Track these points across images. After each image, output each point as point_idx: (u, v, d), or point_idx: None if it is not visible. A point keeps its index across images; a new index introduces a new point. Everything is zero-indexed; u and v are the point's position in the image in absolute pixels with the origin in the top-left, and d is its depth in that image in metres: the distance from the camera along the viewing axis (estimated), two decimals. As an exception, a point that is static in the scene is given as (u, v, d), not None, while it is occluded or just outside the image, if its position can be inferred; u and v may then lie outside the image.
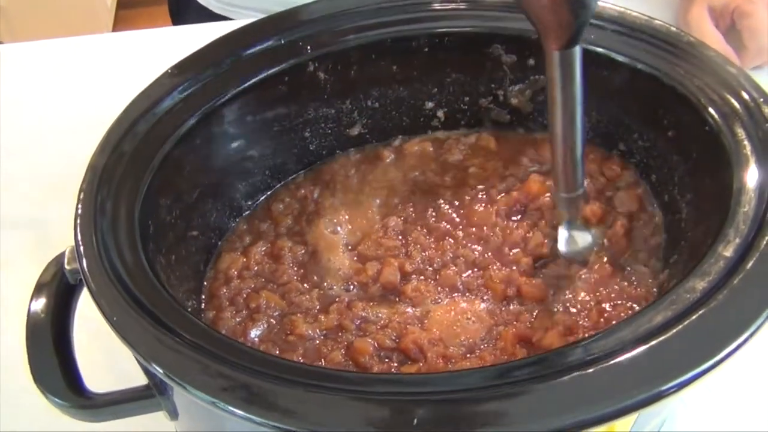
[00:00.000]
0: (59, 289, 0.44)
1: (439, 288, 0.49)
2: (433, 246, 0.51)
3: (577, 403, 0.32)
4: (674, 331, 0.34)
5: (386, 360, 0.45)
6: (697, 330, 0.34)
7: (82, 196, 0.42)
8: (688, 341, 0.34)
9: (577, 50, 0.41)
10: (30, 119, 0.77)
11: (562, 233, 0.49)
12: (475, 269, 0.50)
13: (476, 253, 0.51)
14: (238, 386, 0.33)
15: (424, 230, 0.53)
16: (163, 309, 0.37)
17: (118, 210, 0.42)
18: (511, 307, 0.48)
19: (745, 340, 0.34)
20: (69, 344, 0.44)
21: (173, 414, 0.43)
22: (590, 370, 0.33)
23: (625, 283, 0.48)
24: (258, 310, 0.48)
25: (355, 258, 0.51)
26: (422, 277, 0.50)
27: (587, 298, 0.47)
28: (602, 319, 0.46)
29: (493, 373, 0.34)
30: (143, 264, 0.40)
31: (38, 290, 0.44)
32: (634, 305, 0.46)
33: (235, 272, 0.51)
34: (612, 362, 0.33)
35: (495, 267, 0.50)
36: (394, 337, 0.46)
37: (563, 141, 0.44)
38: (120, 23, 2.17)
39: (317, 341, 0.46)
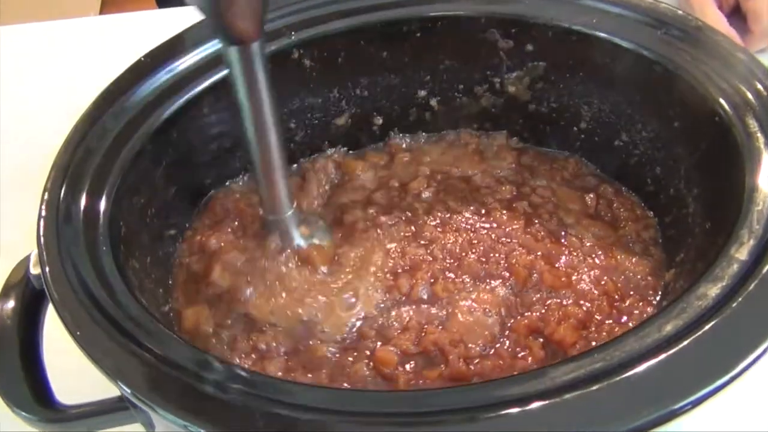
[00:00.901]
0: (27, 293, 0.41)
1: (465, 278, 0.46)
2: (452, 241, 0.49)
3: (579, 426, 0.29)
4: (685, 342, 0.32)
5: (411, 363, 0.43)
6: (711, 341, 0.32)
7: (46, 197, 0.39)
8: (700, 354, 0.31)
9: (255, 48, 0.37)
10: (11, 104, 0.73)
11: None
12: (497, 254, 0.48)
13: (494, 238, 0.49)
14: (214, 407, 0.30)
15: (438, 227, 0.50)
16: (132, 320, 0.34)
17: (85, 212, 0.39)
18: (530, 294, 0.46)
19: (764, 352, 0.31)
20: (37, 352, 0.41)
21: (149, 426, 0.41)
22: (594, 388, 0.30)
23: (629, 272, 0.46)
24: None
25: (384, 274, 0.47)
26: (450, 274, 0.47)
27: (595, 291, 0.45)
28: (614, 311, 0.44)
29: (489, 390, 0.31)
30: (112, 270, 0.37)
31: (5, 293, 0.41)
32: (647, 295, 0.45)
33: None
34: (617, 378, 0.31)
35: (517, 252, 0.47)
36: (415, 341, 0.43)
37: (260, 155, 0.41)
38: (107, 6, 2.13)
39: (337, 354, 0.43)
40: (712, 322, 0.32)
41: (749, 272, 0.34)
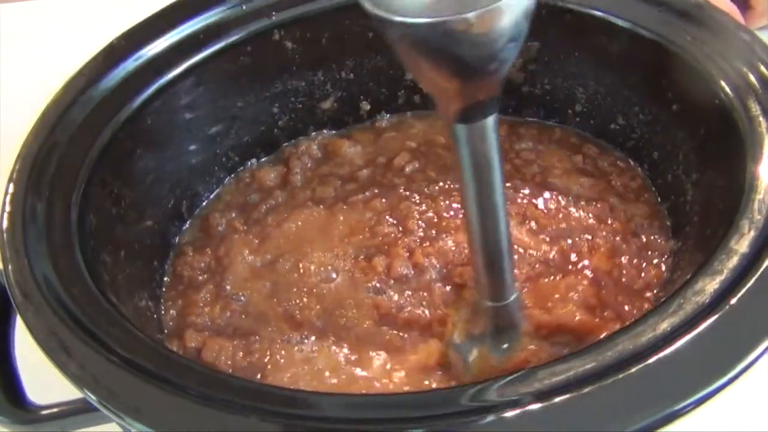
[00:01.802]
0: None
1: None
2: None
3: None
4: (682, 342, 0.30)
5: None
6: (709, 340, 0.30)
7: (11, 190, 0.37)
8: (698, 354, 0.30)
9: (489, 124, 0.31)
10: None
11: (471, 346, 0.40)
12: None
13: None
14: (185, 416, 0.29)
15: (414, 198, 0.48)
16: (99, 322, 0.32)
17: (52, 206, 0.37)
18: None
19: (764, 351, 0.30)
20: (8, 351, 0.39)
21: (125, 426, 0.39)
22: (584, 391, 0.29)
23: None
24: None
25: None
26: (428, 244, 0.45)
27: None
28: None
29: (471, 394, 0.29)
30: (81, 267, 0.35)
31: (-27, 290, 0.40)
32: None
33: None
34: (609, 381, 0.29)
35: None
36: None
37: (482, 241, 0.35)
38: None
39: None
40: (711, 320, 0.31)
41: (749, 265, 0.33)
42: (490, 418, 0.28)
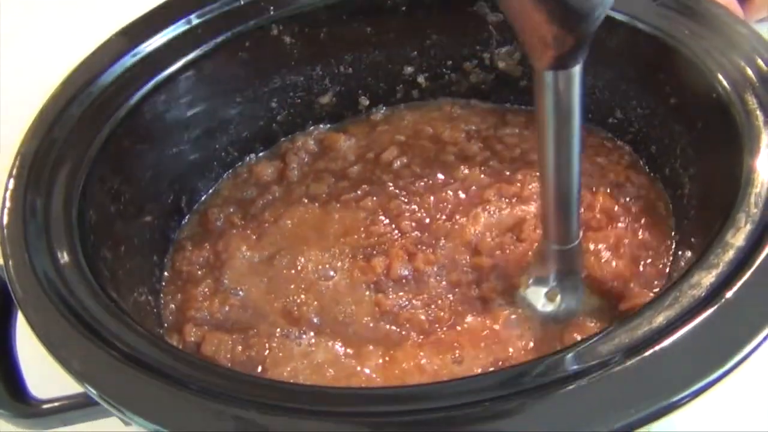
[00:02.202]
0: (-4, 284, 0.39)
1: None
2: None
3: (564, 424, 0.28)
4: (678, 335, 0.30)
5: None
6: (705, 334, 0.30)
7: (11, 186, 0.37)
8: (693, 347, 0.30)
9: (576, 71, 0.32)
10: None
11: (539, 290, 0.42)
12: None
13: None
14: (185, 410, 0.29)
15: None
16: (99, 317, 0.32)
17: (51, 201, 0.37)
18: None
19: (760, 344, 0.30)
20: (9, 345, 0.40)
21: (126, 421, 0.39)
22: (582, 383, 0.29)
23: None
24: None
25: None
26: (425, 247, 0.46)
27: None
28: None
29: (469, 387, 0.30)
30: (80, 263, 0.35)
31: (-27, 284, 0.40)
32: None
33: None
34: (606, 373, 0.29)
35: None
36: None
37: (556, 185, 0.36)
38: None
39: None
40: (706, 313, 0.31)
41: (745, 259, 0.33)
42: (488, 407, 0.28)
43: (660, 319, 0.31)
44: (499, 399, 0.29)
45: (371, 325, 0.42)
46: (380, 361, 0.40)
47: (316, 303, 0.43)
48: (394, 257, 0.45)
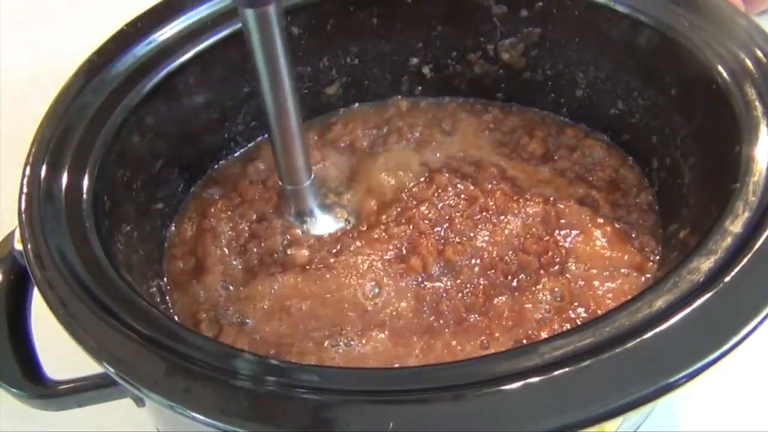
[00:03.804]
0: (13, 268, 0.40)
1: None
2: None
3: (567, 403, 0.29)
4: (677, 318, 0.31)
5: None
6: (703, 317, 0.31)
7: (27, 172, 0.38)
8: (692, 330, 0.31)
9: (272, 11, 0.36)
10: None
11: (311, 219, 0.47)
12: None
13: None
14: (200, 386, 0.30)
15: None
16: (116, 298, 0.33)
17: (67, 187, 0.38)
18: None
19: (755, 327, 0.31)
20: (25, 327, 0.41)
21: (139, 401, 0.40)
22: (583, 364, 0.30)
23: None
24: None
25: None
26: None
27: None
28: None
29: (476, 367, 0.31)
30: (97, 246, 0.36)
31: (-9, 266, 0.41)
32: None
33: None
34: (607, 355, 0.30)
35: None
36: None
37: (277, 124, 0.40)
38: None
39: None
40: (705, 297, 0.32)
41: (743, 245, 0.34)
42: (492, 389, 0.29)
43: (660, 303, 0.32)
44: (502, 379, 0.30)
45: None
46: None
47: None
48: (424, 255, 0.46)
